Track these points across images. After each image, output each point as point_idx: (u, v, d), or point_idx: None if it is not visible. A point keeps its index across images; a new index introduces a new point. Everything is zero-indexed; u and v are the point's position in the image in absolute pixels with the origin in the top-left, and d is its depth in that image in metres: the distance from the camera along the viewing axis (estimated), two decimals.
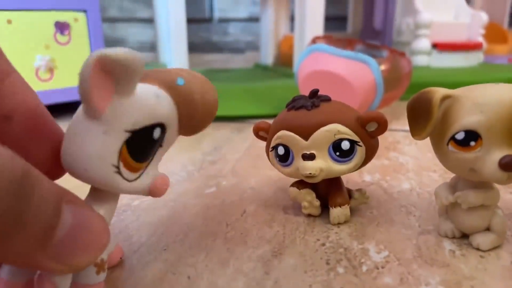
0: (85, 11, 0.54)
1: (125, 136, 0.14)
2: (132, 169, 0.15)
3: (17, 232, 0.11)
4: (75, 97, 0.54)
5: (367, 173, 0.34)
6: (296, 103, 0.24)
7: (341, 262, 0.21)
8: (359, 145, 0.23)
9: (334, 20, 1.43)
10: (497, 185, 0.21)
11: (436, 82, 0.67)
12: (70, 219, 0.13)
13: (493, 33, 1.09)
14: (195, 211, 0.27)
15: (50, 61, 0.52)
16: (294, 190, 0.26)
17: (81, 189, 0.16)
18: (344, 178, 0.27)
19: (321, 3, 0.77)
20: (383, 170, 0.34)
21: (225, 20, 1.82)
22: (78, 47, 0.54)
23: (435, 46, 0.87)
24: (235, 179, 0.33)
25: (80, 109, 0.15)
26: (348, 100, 0.30)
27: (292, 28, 0.95)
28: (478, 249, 0.21)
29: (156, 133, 0.16)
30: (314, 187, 0.25)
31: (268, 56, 1.05)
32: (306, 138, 0.23)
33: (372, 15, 1.04)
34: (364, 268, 0.20)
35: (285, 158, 0.24)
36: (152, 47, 1.58)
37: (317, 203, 0.25)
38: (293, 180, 0.26)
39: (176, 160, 0.38)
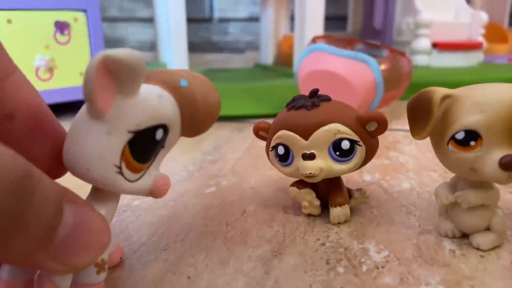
0: (85, 10, 0.54)
1: (128, 136, 0.14)
2: (134, 170, 0.15)
3: (18, 232, 0.11)
4: (75, 97, 0.54)
5: (367, 172, 0.34)
6: (296, 103, 0.24)
7: (341, 261, 0.21)
8: (359, 145, 0.23)
9: (334, 20, 1.43)
10: (497, 185, 0.21)
11: (436, 81, 0.67)
12: (71, 218, 0.13)
13: (493, 32, 1.09)
14: (195, 211, 0.27)
15: (50, 60, 0.52)
16: (294, 189, 0.26)
17: (82, 189, 0.16)
18: (344, 177, 0.27)
19: (321, 2, 0.77)
20: (383, 170, 0.34)
21: (225, 20, 1.82)
22: (78, 46, 0.54)
23: (435, 45, 0.87)
24: (235, 179, 0.33)
25: (83, 108, 0.15)
26: (348, 100, 0.30)
27: (292, 28, 0.95)
28: (478, 248, 0.21)
29: (159, 134, 0.16)
30: (314, 186, 0.25)
31: (268, 55, 1.05)
32: (306, 137, 0.23)
33: (372, 14, 1.04)
34: (364, 267, 0.20)
35: (285, 158, 0.24)
36: (152, 46, 1.58)
37: (317, 202, 0.25)
38: (293, 179, 0.26)
39: (176, 160, 0.38)
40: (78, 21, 0.54)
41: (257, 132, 0.26)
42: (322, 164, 0.23)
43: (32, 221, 0.11)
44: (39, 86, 0.52)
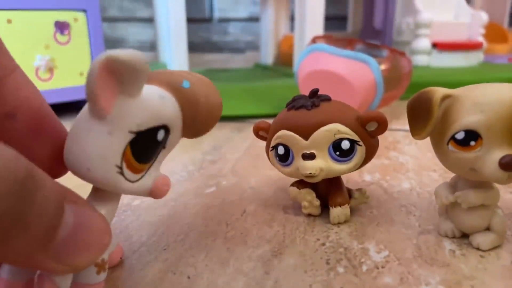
0: (85, 10, 0.54)
1: (129, 137, 0.14)
2: (135, 170, 0.15)
3: (19, 232, 0.11)
4: (75, 97, 0.54)
5: (367, 172, 0.34)
6: (296, 103, 0.24)
7: (341, 261, 0.21)
8: (359, 145, 0.23)
9: (334, 20, 1.43)
10: (497, 185, 0.21)
11: (436, 81, 0.67)
12: (72, 219, 0.13)
13: (493, 32, 1.09)
14: (195, 211, 0.27)
15: (50, 60, 0.52)
16: (294, 189, 0.26)
17: (83, 188, 0.16)
18: (344, 177, 0.27)
19: (321, 2, 0.77)
20: (383, 170, 0.34)
21: (225, 20, 1.82)
22: (78, 46, 0.54)
23: (435, 45, 0.87)
24: (235, 179, 0.33)
25: (85, 108, 0.15)
26: (348, 100, 0.30)
27: (292, 28, 0.95)
28: (478, 248, 0.21)
29: (160, 135, 0.16)
30: (314, 186, 0.25)
31: (268, 55, 1.05)
32: (306, 137, 0.23)
33: (372, 14, 1.04)
34: (364, 267, 0.20)
35: (285, 158, 0.24)
36: (152, 46, 1.58)
37: (317, 202, 0.25)
38: (293, 179, 0.26)
39: (176, 159, 0.38)
40: (78, 21, 0.54)
41: (257, 132, 0.26)
42: (322, 164, 0.23)
43: (33, 221, 0.11)
44: (39, 86, 0.52)
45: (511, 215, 0.25)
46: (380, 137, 0.25)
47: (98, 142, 0.14)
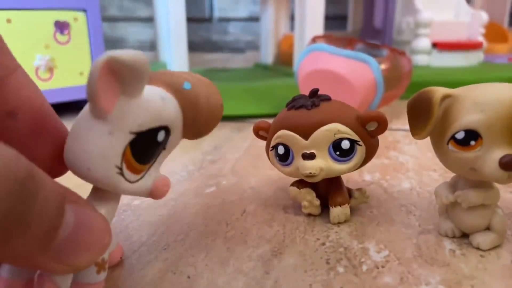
0: (84, 10, 0.54)
1: (130, 137, 0.15)
2: (135, 171, 0.15)
3: (20, 233, 0.11)
4: (75, 96, 0.54)
5: (367, 172, 0.34)
6: (296, 103, 0.24)
7: (341, 261, 0.21)
8: (359, 145, 0.23)
9: (334, 19, 1.43)
10: (497, 185, 0.21)
11: (436, 81, 0.67)
12: (72, 219, 0.13)
13: (493, 32, 1.09)
14: (195, 211, 0.27)
15: (49, 60, 0.52)
16: (294, 189, 0.26)
17: (82, 188, 0.16)
18: (344, 177, 0.27)
19: (321, 2, 0.77)
20: (383, 170, 0.34)
21: (225, 20, 1.82)
22: (78, 46, 0.54)
23: (435, 45, 0.87)
24: (235, 179, 0.33)
25: (86, 108, 0.15)
26: (348, 99, 0.30)
27: (292, 27, 0.95)
28: (478, 248, 0.21)
29: (161, 135, 0.16)
30: (314, 186, 0.25)
31: (268, 55, 1.04)
32: (306, 137, 0.23)
33: (372, 14, 1.04)
34: (364, 267, 0.20)
35: (285, 158, 0.24)
36: (152, 46, 1.58)
37: (317, 202, 0.25)
38: (293, 179, 0.26)
39: (176, 159, 0.38)
40: (78, 20, 0.53)
41: (257, 132, 0.26)
42: (322, 164, 0.23)
43: (34, 222, 0.11)
44: (39, 85, 0.51)
45: (511, 214, 0.25)
46: (380, 137, 0.25)
47: (98, 142, 0.14)
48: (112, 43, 1.72)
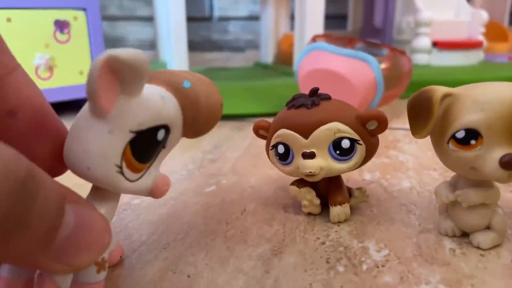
0: (84, 9, 0.54)
1: (129, 136, 0.14)
2: (135, 170, 0.15)
3: (20, 233, 0.11)
4: (74, 95, 0.54)
5: (367, 171, 0.34)
6: (296, 102, 0.24)
7: (341, 260, 0.21)
8: (359, 144, 0.23)
9: (334, 19, 1.43)
10: (497, 184, 0.21)
11: (436, 80, 0.67)
12: (72, 218, 0.13)
13: (494, 31, 1.09)
14: (195, 210, 0.27)
15: (49, 59, 0.51)
16: (294, 188, 0.26)
17: (82, 187, 0.16)
18: (344, 176, 0.27)
19: (321, 1, 0.77)
20: (383, 169, 0.34)
21: (225, 19, 1.81)
22: (77, 45, 0.54)
23: (435, 44, 0.86)
24: (235, 178, 0.33)
25: (86, 107, 0.15)
26: (348, 99, 0.30)
27: (292, 27, 0.95)
28: (478, 247, 0.21)
29: (160, 134, 0.16)
30: (314, 185, 0.25)
31: (268, 54, 1.04)
32: (306, 136, 0.23)
33: (372, 13, 1.04)
34: (364, 266, 0.20)
35: (285, 157, 0.24)
36: (151, 45, 1.58)
37: (317, 201, 0.25)
38: (293, 178, 0.26)
39: (176, 158, 0.38)
40: (78, 19, 0.53)
41: (257, 131, 0.26)
42: (322, 163, 0.23)
43: (34, 222, 0.11)
44: (39, 85, 0.51)
45: (511, 214, 0.25)
46: (380, 136, 0.25)
47: (98, 141, 0.14)
48: (112, 42, 1.72)
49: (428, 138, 0.22)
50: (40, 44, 0.51)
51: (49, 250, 0.12)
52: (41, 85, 0.52)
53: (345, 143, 0.23)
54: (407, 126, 0.22)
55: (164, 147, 0.17)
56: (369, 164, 0.32)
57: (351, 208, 0.25)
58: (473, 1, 1.14)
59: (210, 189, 0.31)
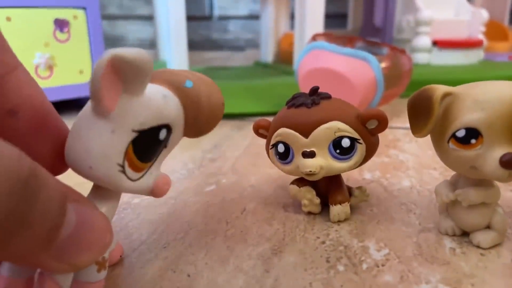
0: (84, 8, 0.54)
1: (132, 135, 0.15)
2: (136, 169, 0.15)
3: (22, 232, 0.11)
4: (74, 94, 0.54)
5: (367, 170, 0.34)
6: (296, 101, 0.24)
7: (341, 260, 0.21)
8: (359, 143, 0.23)
9: (334, 18, 1.43)
10: (497, 183, 0.21)
11: (436, 79, 0.67)
12: (74, 218, 0.13)
13: (494, 30, 1.09)
14: (195, 209, 0.27)
15: (49, 58, 0.51)
16: (294, 188, 0.26)
17: (83, 186, 0.16)
18: (344, 175, 0.27)
19: (321, 0, 0.77)
20: (383, 168, 0.34)
21: (225, 18, 1.81)
22: (77, 44, 0.54)
23: (435, 43, 0.86)
24: (235, 177, 0.33)
25: (87, 106, 0.15)
26: (348, 98, 0.30)
27: (292, 26, 0.95)
28: (478, 247, 0.21)
29: (162, 134, 0.16)
30: (314, 184, 0.25)
31: (268, 53, 1.04)
32: (306, 135, 0.23)
33: (372, 12, 1.04)
34: (364, 266, 0.20)
35: (285, 156, 0.24)
36: (151, 44, 1.58)
37: (317, 200, 0.25)
38: (293, 178, 0.26)
39: (176, 158, 0.38)
40: (77, 18, 0.53)
41: (257, 130, 0.26)
42: (322, 162, 0.23)
43: (36, 221, 0.11)
44: (39, 84, 0.51)
45: (511, 213, 0.25)
46: (380, 135, 0.25)
47: (100, 140, 0.14)
48: (112, 41, 1.72)
49: (428, 137, 0.22)
50: (40, 43, 0.51)
51: (50, 249, 0.12)
52: (41, 84, 0.51)
53: (345, 142, 0.23)
54: (407, 125, 0.22)
55: (165, 146, 0.17)
56: (369, 163, 0.32)
57: (351, 207, 0.25)
58: (473, 0, 1.14)
59: (210, 188, 0.31)
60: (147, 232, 0.24)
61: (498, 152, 0.18)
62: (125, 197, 0.29)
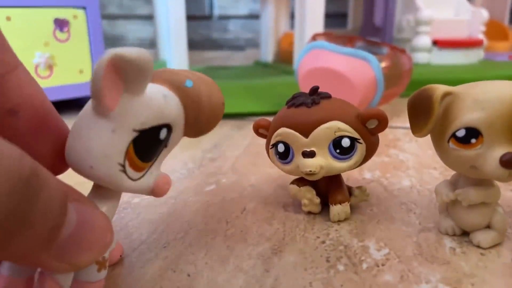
0: (84, 8, 0.54)
1: (132, 135, 0.15)
2: (137, 168, 0.15)
3: (23, 232, 0.11)
4: (74, 94, 0.54)
5: (367, 170, 0.34)
6: (296, 100, 0.24)
7: (341, 259, 0.21)
8: (360, 143, 0.23)
9: (334, 17, 1.43)
10: (497, 183, 0.21)
11: (436, 79, 0.67)
12: (75, 217, 0.13)
13: (494, 30, 1.09)
14: (195, 209, 0.27)
15: (49, 58, 0.51)
16: (294, 187, 0.26)
17: (83, 186, 0.16)
18: (344, 175, 0.27)
19: (321, 0, 0.77)
20: (384, 167, 0.34)
21: (225, 17, 1.81)
22: (77, 44, 0.54)
23: (435, 43, 0.86)
24: (235, 177, 0.33)
25: (88, 106, 0.15)
26: (349, 97, 0.30)
27: (292, 25, 0.95)
28: (478, 246, 0.21)
29: (163, 133, 0.16)
30: (314, 184, 0.25)
31: (268, 53, 1.04)
32: (306, 135, 0.23)
33: (372, 12, 1.04)
34: (364, 265, 0.20)
35: (285, 156, 0.24)
36: (151, 44, 1.58)
37: (317, 200, 0.25)
38: (293, 177, 0.26)
39: (176, 157, 0.38)
40: (77, 18, 0.53)
41: (257, 130, 0.26)
42: (322, 162, 0.23)
43: (37, 221, 0.11)
44: (39, 83, 0.51)
45: (511, 212, 0.25)
46: (380, 135, 0.25)
47: (101, 140, 0.14)
48: (112, 41, 1.72)
49: (428, 136, 0.22)
50: (40, 43, 0.51)
51: (51, 248, 0.12)
52: (41, 83, 0.51)
53: (345, 142, 0.23)
54: (407, 124, 0.22)
55: (166, 146, 0.17)
56: (369, 163, 0.32)
57: (351, 207, 0.25)
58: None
59: (210, 188, 0.31)
60: (147, 232, 0.24)
61: (498, 151, 0.18)
62: (125, 196, 0.29)
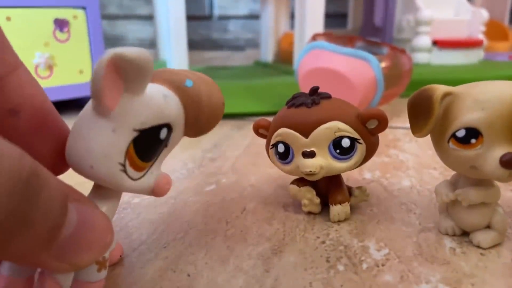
0: (84, 8, 0.54)
1: (133, 135, 0.15)
2: (138, 168, 0.15)
3: (24, 232, 0.11)
4: (74, 94, 0.54)
5: (367, 170, 0.34)
6: (296, 101, 0.24)
7: (341, 259, 0.21)
8: (360, 143, 0.23)
9: (334, 17, 1.43)
10: (497, 183, 0.21)
11: (436, 79, 0.67)
12: (75, 217, 0.13)
13: (494, 30, 1.09)
14: (195, 209, 0.27)
15: (49, 58, 0.51)
16: (294, 187, 0.26)
17: (83, 186, 0.16)
18: (344, 175, 0.27)
19: (321, 0, 0.77)
20: (384, 168, 0.34)
21: (225, 17, 1.81)
22: (77, 44, 0.54)
23: (435, 43, 0.86)
24: (235, 177, 0.33)
25: (88, 106, 0.15)
26: (349, 97, 0.30)
27: (292, 25, 0.95)
28: (478, 246, 0.21)
29: (163, 133, 0.16)
30: (314, 184, 0.25)
31: (268, 53, 1.04)
32: (306, 135, 0.23)
33: (372, 12, 1.04)
34: (364, 265, 0.20)
35: (285, 156, 0.24)
36: (151, 44, 1.58)
37: (317, 200, 0.25)
38: (293, 177, 0.26)
39: (176, 157, 0.38)
40: (77, 18, 0.53)
41: (257, 130, 0.26)
42: (322, 162, 0.23)
43: (38, 221, 0.11)
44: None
45: (511, 213, 0.25)
46: (380, 135, 0.25)
47: (101, 140, 0.14)
48: (112, 41, 1.72)
49: (428, 137, 0.22)
50: (40, 43, 0.51)
51: (51, 248, 0.12)
52: (41, 84, 0.51)
53: (345, 142, 0.23)
54: (407, 125, 0.22)
55: (166, 146, 0.17)
56: (369, 163, 0.32)
57: (351, 207, 0.25)
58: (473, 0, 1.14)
59: (210, 188, 0.31)
60: (147, 232, 0.24)
61: (498, 151, 0.18)
62: (125, 196, 0.29)
